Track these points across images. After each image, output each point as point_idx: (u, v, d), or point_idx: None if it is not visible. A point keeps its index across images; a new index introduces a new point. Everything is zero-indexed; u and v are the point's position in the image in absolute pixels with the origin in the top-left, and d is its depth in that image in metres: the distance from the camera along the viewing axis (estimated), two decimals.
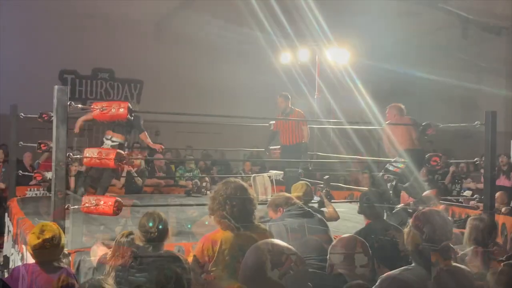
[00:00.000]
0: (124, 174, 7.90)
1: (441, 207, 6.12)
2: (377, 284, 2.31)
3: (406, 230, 2.42)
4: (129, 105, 4.14)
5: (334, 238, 3.48)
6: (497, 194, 6.89)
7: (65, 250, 3.59)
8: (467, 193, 8.81)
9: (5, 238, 6.54)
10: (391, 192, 5.87)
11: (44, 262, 3.09)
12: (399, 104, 6.32)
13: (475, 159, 5.74)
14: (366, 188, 6.60)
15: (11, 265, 5.42)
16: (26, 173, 7.83)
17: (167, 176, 9.47)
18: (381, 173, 6.31)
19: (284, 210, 3.97)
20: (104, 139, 6.20)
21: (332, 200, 5.68)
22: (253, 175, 6.95)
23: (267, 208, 4.17)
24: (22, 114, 6.82)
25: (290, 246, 1.47)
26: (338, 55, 11.17)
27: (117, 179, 7.72)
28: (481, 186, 7.88)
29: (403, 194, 5.10)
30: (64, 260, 3.31)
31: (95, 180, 6.44)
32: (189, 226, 5.26)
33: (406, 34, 13.61)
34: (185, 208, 6.20)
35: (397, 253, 3.30)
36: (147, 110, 6.70)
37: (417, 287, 2.22)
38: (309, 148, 7.96)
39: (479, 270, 2.94)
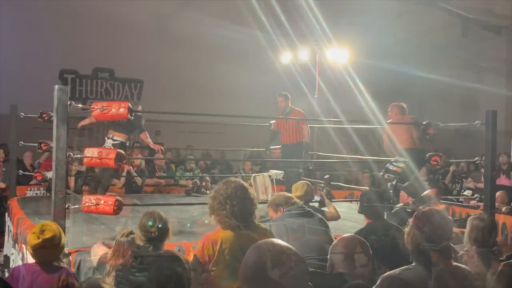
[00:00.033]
0: (124, 173, 7.90)
1: (441, 207, 6.13)
2: (377, 283, 2.31)
3: (406, 229, 2.42)
4: (129, 104, 4.14)
5: (335, 238, 3.48)
6: (497, 194, 6.90)
7: (66, 250, 3.59)
8: (468, 192, 8.81)
9: (6, 237, 6.54)
10: (391, 191, 5.87)
11: (44, 262, 3.09)
12: (401, 103, 6.33)
13: (476, 159, 5.74)
14: (367, 188, 6.61)
15: (11, 265, 5.42)
16: (27, 172, 7.84)
17: (167, 176, 9.47)
18: (381, 173, 6.31)
19: (285, 209, 3.97)
20: (106, 138, 6.21)
21: (333, 200, 5.68)
22: (254, 174, 6.95)
23: (268, 207, 4.17)
24: (23, 113, 6.83)
25: (290, 246, 1.46)
26: (338, 55, 11.16)
27: (117, 178, 7.72)
28: (481, 185, 7.88)
29: (402, 193, 5.10)
30: (64, 260, 3.31)
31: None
32: (188, 225, 5.26)
33: (406, 34, 13.61)
34: (185, 207, 6.20)
35: (398, 252, 3.29)
36: (148, 110, 6.69)
37: (417, 287, 2.22)
38: (310, 147, 7.96)
39: (479, 269, 2.94)
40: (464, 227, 3.92)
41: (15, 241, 5.37)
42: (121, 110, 4.07)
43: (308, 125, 7.29)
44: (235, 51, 12.88)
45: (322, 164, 10.80)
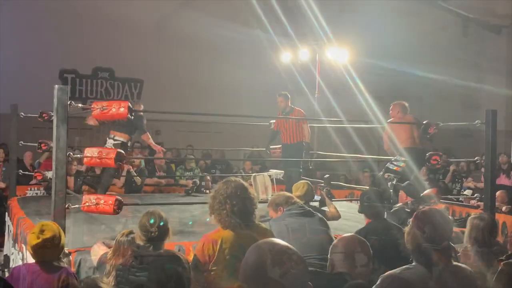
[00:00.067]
0: (124, 173, 7.91)
1: (441, 206, 6.13)
2: (377, 283, 2.31)
3: (406, 229, 2.42)
4: (130, 104, 4.14)
5: (335, 238, 3.48)
6: (498, 193, 6.90)
7: (66, 250, 3.59)
8: (468, 192, 8.81)
9: (6, 237, 6.54)
10: (391, 191, 5.86)
11: (44, 262, 3.09)
12: (403, 102, 6.33)
13: (476, 158, 5.74)
14: (367, 187, 6.61)
15: (11, 265, 5.42)
16: (27, 172, 7.84)
17: (167, 176, 9.47)
18: (381, 172, 6.31)
19: (285, 209, 3.97)
20: (107, 138, 6.23)
21: (333, 199, 5.68)
22: (254, 174, 6.95)
23: (268, 207, 4.17)
24: (23, 113, 6.83)
25: (290, 246, 1.46)
26: (338, 54, 11.16)
27: (117, 178, 7.72)
28: (481, 185, 7.87)
29: (401, 193, 5.10)
30: (64, 260, 3.31)
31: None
32: (190, 222, 5.26)
33: (407, 33, 13.61)
34: (186, 207, 6.20)
35: (398, 252, 3.29)
36: (148, 110, 6.71)
37: (418, 286, 2.22)
38: (310, 147, 7.96)
39: (479, 269, 2.95)
40: (464, 226, 3.92)
41: (15, 241, 5.37)
42: (121, 109, 4.07)
43: (308, 125, 7.29)
44: (235, 51, 12.88)
45: (322, 164, 10.81)
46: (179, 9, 12.23)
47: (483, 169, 6.89)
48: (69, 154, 4.05)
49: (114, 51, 12.58)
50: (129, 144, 6.43)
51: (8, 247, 6.18)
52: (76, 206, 4.21)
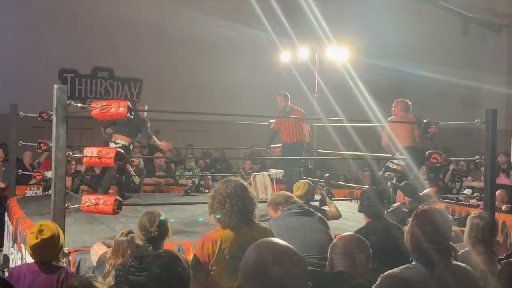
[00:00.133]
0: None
1: (440, 206, 6.12)
2: (377, 282, 2.31)
3: (406, 228, 2.42)
4: (129, 103, 4.14)
5: (334, 237, 3.48)
6: (497, 193, 6.89)
7: (65, 250, 3.59)
8: (467, 191, 8.80)
9: (5, 237, 6.54)
10: (391, 190, 5.86)
11: (43, 262, 3.08)
12: (406, 100, 6.33)
13: (475, 157, 5.73)
14: (367, 186, 6.60)
15: (11, 265, 5.42)
16: (26, 172, 7.84)
17: (167, 175, 9.47)
18: (381, 171, 6.31)
19: (284, 209, 3.97)
20: (109, 141, 6.26)
21: (332, 199, 5.68)
22: (253, 174, 6.95)
23: (267, 207, 4.17)
24: (22, 113, 6.83)
25: (290, 245, 1.46)
26: (338, 54, 11.15)
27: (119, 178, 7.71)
28: (481, 184, 7.87)
29: (399, 193, 5.10)
30: (64, 260, 3.31)
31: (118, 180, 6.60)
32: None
33: (407, 32, 13.60)
34: (185, 206, 6.20)
35: (398, 251, 3.29)
36: (148, 109, 6.72)
37: (417, 286, 2.22)
38: (311, 147, 7.96)
39: (479, 268, 2.94)
40: (464, 225, 3.92)
41: (15, 240, 5.37)
42: (121, 109, 4.06)
43: (308, 124, 7.29)
44: (235, 50, 12.88)
45: (322, 163, 10.80)
46: (178, 9, 12.22)
47: (482, 168, 6.89)
48: (68, 153, 4.05)
49: (113, 50, 12.58)
50: (131, 147, 6.47)
51: (7, 247, 6.18)
52: (76, 206, 4.21)
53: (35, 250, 3.09)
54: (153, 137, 6.65)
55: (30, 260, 3.28)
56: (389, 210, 4.64)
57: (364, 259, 2.49)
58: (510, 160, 9.80)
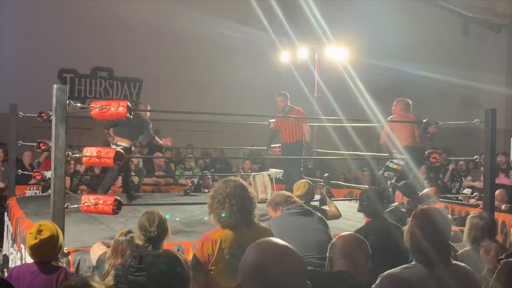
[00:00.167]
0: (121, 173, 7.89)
1: (440, 205, 6.12)
2: (377, 282, 2.30)
3: (406, 228, 2.42)
4: (128, 103, 4.13)
5: (334, 237, 3.48)
6: (497, 192, 6.89)
7: (65, 250, 3.59)
8: (467, 191, 8.81)
9: (5, 237, 6.54)
10: (391, 190, 5.86)
11: (43, 262, 3.08)
12: (407, 99, 6.33)
13: (475, 157, 5.74)
14: (366, 186, 6.60)
15: (10, 265, 5.42)
16: (26, 172, 7.84)
17: (166, 175, 9.47)
18: (381, 171, 6.31)
19: (284, 208, 3.97)
20: (111, 144, 6.27)
21: (332, 198, 5.68)
22: (253, 173, 6.95)
23: (267, 206, 4.17)
24: (22, 113, 6.83)
25: (289, 245, 1.46)
26: (337, 54, 11.15)
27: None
28: (480, 184, 7.87)
29: (398, 193, 5.10)
30: (63, 260, 3.30)
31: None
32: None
33: (406, 32, 13.60)
34: (185, 206, 6.20)
35: (397, 251, 3.29)
36: (148, 109, 6.73)
37: (417, 286, 2.21)
38: (310, 147, 7.96)
39: (478, 268, 2.94)
40: (464, 225, 3.92)
41: (14, 240, 5.37)
42: (120, 109, 4.06)
43: (308, 124, 7.29)
44: (235, 50, 12.87)
45: (321, 163, 10.80)
46: (178, 9, 12.21)
47: (482, 168, 6.89)
48: (67, 153, 4.05)
49: (113, 50, 12.57)
50: (132, 149, 6.47)
51: (7, 247, 6.18)
52: (75, 206, 4.20)
53: (34, 250, 3.09)
54: (156, 137, 6.66)
55: (29, 260, 3.28)
56: (387, 210, 4.64)
57: (363, 258, 2.49)
58: (510, 159, 9.81)
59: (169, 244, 3.60)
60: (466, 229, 3.76)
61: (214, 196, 3.05)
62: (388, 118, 6.27)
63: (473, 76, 13.67)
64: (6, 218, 6.61)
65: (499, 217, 6.65)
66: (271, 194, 5.29)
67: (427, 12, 14.58)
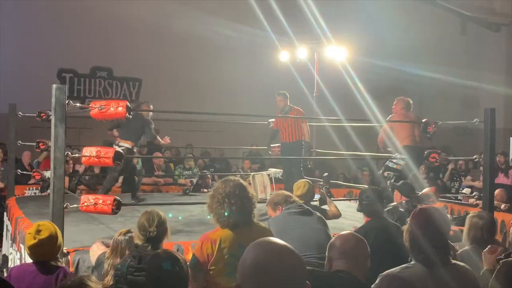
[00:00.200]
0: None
1: (440, 205, 6.12)
2: (376, 282, 2.30)
3: (405, 227, 2.42)
4: (128, 103, 4.13)
5: (333, 236, 3.48)
6: (496, 192, 6.90)
7: (64, 250, 3.59)
8: (466, 190, 8.81)
9: (4, 237, 6.53)
10: (391, 189, 5.86)
11: (42, 262, 3.08)
12: (408, 99, 6.33)
13: (474, 157, 5.74)
14: (366, 186, 6.60)
15: (10, 265, 5.42)
16: (25, 172, 7.84)
17: (166, 175, 9.46)
18: (381, 171, 6.31)
19: (283, 208, 3.97)
20: (113, 145, 6.28)
21: (332, 198, 5.68)
22: (252, 173, 6.94)
23: (266, 206, 4.17)
24: (21, 113, 6.82)
25: (288, 245, 1.46)
26: (336, 53, 11.15)
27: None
28: (480, 183, 7.88)
29: (396, 192, 5.09)
30: (62, 260, 3.30)
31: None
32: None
33: (406, 32, 13.60)
34: (184, 206, 6.20)
35: (397, 251, 3.28)
36: (147, 109, 6.73)
37: (417, 285, 2.21)
38: (310, 146, 7.96)
39: (477, 267, 2.94)
40: (463, 225, 3.92)
41: (13, 240, 5.36)
42: (120, 109, 4.05)
43: (308, 124, 7.29)
44: (234, 50, 12.87)
45: (321, 163, 10.80)
46: (177, 9, 12.21)
47: (481, 168, 6.89)
48: (67, 153, 4.04)
49: (112, 50, 12.57)
50: (135, 150, 6.48)
51: (6, 247, 6.18)
52: (75, 206, 4.20)
53: (33, 250, 3.08)
54: (157, 137, 6.66)
55: (29, 260, 3.28)
56: (385, 210, 4.64)
57: (362, 258, 2.48)
58: (509, 159, 9.81)
59: (169, 244, 3.60)
60: (465, 228, 3.75)
61: (213, 196, 3.05)
62: (389, 117, 6.27)
63: (474, 76, 13.68)
64: (5, 218, 6.60)
65: (499, 216, 6.64)
66: (271, 194, 5.29)
67: (427, 12, 14.59)
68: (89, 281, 2.36)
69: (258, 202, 3.27)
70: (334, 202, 5.35)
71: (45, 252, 3.08)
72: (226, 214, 2.96)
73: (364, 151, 8.24)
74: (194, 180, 8.65)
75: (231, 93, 12.79)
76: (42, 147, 6.59)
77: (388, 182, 6.01)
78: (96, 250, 3.57)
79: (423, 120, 5.88)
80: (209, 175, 8.78)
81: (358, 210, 4.23)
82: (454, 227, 4.47)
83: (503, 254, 2.59)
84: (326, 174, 7.38)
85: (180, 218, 5.46)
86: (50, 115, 4.02)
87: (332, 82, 10.99)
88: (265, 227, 3.23)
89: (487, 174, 5.19)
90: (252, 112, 9.24)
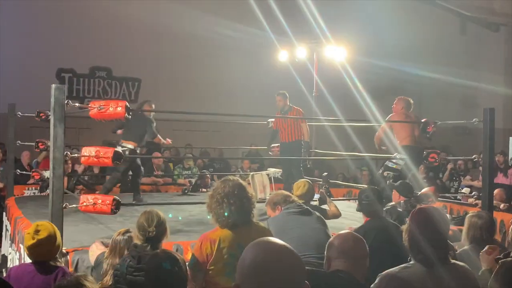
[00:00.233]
0: None
1: (439, 205, 6.12)
2: (376, 282, 2.30)
3: (404, 227, 2.42)
4: (127, 103, 4.13)
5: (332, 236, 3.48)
6: (496, 191, 6.90)
7: (64, 250, 3.58)
8: (466, 190, 8.81)
9: (3, 237, 6.53)
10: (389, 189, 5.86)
11: (40, 262, 3.08)
12: (408, 98, 6.32)
13: (473, 156, 5.74)
14: (365, 186, 6.60)
15: (9, 265, 5.41)
16: (24, 172, 7.83)
17: (165, 175, 9.46)
18: (380, 170, 6.31)
19: (283, 208, 3.97)
20: (117, 146, 6.28)
21: (331, 198, 5.68)
22: (252, 173, 6.94)
23: (266, 206, 4.17)
24: (20, 113, 6.82)
25: (288, 245, 1.46)
26: (336, 53, 11.15)
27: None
28: (479, 183, 7.88)
29: (394, 192, 5.09)
30: (61, 260, 3.30)
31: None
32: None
33: (405, 32, 13.60)
34: (183, 206, 6.19)
35: (396, 251, 3.28)
36: (147, 109, 6.73)
37: (416, 285, 2.21)
38: (310, 146, 7.96)
39: (477, 267, 2.94)
40: (462, 224, 3.92)
41: (13, 240, 5.36)
42: (119, 109, 4.05)
43: (307, 124, 7.29)
44: (233, 49, 12.87)
45: (320, 162, 10.80)
46: (176, 8, 12.21)
47: (480, 168, 6.89)
48: (66, 153, 4.04)
49: (111, 50, 12.56)
50: (138, 151, 6.47)
51: (5, 247, 6.17)
52: (74, 205, 4.20)
53: (32, 250, 3.08)
54: (158, 135, 6.65)
55: (28, 260, 3.28)
56: (383, 209, 4.64)
57: (361, 257, 2.48)
58: (508, 159, 9.82)
59: (168, 243, 3.60)
60: (464, 228, 3.75)
61: (212, 196, 3.05)
62: (389, 116, 6.26)
63: (473, 76, 13.69)
64: (4, 218, 6.60)
65: (498, 216, 6.65)
66: (270, 194, 5.29)
67: (427, 12, 14.59)
68: (85, 281, 2.35)
69: (258, 202, 3.27)
70: (333, 201, 5.35)
71: (44, 252, 3.08)
72: (225, 214, 2.95)
73: (363, 151, 8.24)
74: (193, 180, 8.64)
75: (230, 93, 12.79)
76: (41, 147, 6.58)
77: (388, 182, 6.01)
78: (95, 250, 3.57)
79: (422, 120, 5.88)
80: (208, 175, 8.78)
81: (358, 210, 4.23)
82: (453, 227, 4.47)
83: (502, 254, 2.59)
84: (325, 173, 7.38)
85: (180, 218, 5.46)
86: (49, 115, 4.02)
87: (331, 82, 10.99)
88: (264, 227, 3.23)
89: (486, 173, 5.19)
90: (251, 112, 9.24)
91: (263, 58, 12.49)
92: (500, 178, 9.24)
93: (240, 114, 10.85)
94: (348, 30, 11.57)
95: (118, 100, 4.74)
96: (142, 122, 6.30)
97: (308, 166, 9.60)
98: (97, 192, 7.00)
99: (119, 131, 6.52)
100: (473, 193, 6.88)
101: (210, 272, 2.93)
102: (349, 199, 7.93)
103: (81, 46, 12.14)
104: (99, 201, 4.07)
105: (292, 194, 4.44)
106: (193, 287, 2.88)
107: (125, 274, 2.72)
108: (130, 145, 6.27)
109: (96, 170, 9.11)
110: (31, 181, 8.39)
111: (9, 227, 5.97)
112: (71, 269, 3.66)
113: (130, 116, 4.22)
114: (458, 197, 8.77)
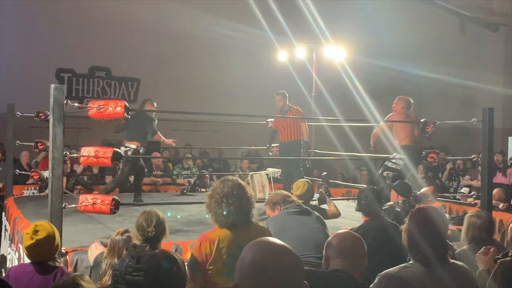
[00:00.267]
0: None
1: (438, 204, 6.12)
2: (375, 282, 2.30)
3: (403, 227, 2.42)
4: (126, 103, 4.12)
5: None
6: (495, 191, 6.90)
7: (63, 250, 3.58)
8: (465, 190, 8.82)
9: (2, 237, 6.53)
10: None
11: (39, 262, 3.08)
12: (408, 98, 6.33)
13: (472, 156, 5.74)
14: (364, 186, 6.60)
15: (8, 265, 5.41)
16: (23, 172, 7.83)
17: (164, 174, 9.46)
18: (380, 170, 6.31)
19: (282, 208, 3.97)
20: (120, 147, 6.28)
21: (331, 198, 5.68)
22: (251, 173, 6.94)
23: (265, 206, 4.17)
24: (19, 113, 6.81)
25: (287, 245, 1.46)
26: (335, 53, 11.15)
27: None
28: (478, 183, 7.88)
29: (393, 192, 5.10)
30: (61, 259, 3.30)
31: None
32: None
33: (404, 32, 13.61)
34: (182, 206, 6.19)
35: (395, 250, 3.29)
36: (146, 109, 6.72)
37: (415, 285, 2.22)
38: (309, 146, 7.96)
39: (476, 267, 2.94)
40: (461, 224, 3.92)
41: (12, 240, 5.36)
42: (118, 108, 4.05)
43: (306, 123, 7.29)
44: (232, 49, 12.86)
45: (319, 162, 10.80)
46: (175, 8, 12.21)
47: (480, 167, 6.89)
48: (65, 153, 4.04)
49: (110, 50, 12.56)
50: (141, 151, 6.46)
51: (5, 247, 6.17)
52: (73, 205, 4.20)
53: (31, 251, 3.08)
54: (158, 133, 6.64)
55: (27, 260, 3.28)
56: (382, 208, 4.65)
57: (359, 257, 2.48)
58: (507, 158, 9.82)
59: (167, 243, 3.60)
60: (463, 228, 3.76)
61: (211, 196, 3.05)
62: (388, 115, 6.26)
63: (472, 76, 13.70)
64: (4, 218, 6.60)
65: (497, 216, 6.65)
66: (269, 194, 5.29)
67: (426, 12, 14.60)
68: (81, 281, 2.35)
69: (257, 202, 3.27)
70: (333, 201, 5.35)
71: (43, 252, 3.07)
72: (224, 214, 2.95)
73: (363, 151, 8.24)
74: (192, 180, 8.64)
75: (229, 93, 12.79)
76: (40, 147, 6.58)
77: (387, 182, 6.01)
78: (95, 250, 3.57)
79: (421, 120, 5.88)
80: (207, 175, 8.77)
81: (357, 210, 4.23)
82: (452, 227, 4.47)
83: (501, 254, 2.59)
84: (324, 173, 7.38)
85: (178, 217, 5.46)
86: (49, 115, 4.02)
87: (331, 82, 10.99)
88: (263, 226, 3.23)
89: (485, 173, 5.19)
90: (250, 111, 9.25)
91: (262, 58, 12.49)
92: (499, 178, 9.24)
93: (240, 114, 10.85)
94: (347, 30, 11.57)
95: (117, 100, 4.74)
96: (143, 120, 6.29)
97: (308, 166, 9.60)
98: (95, 192, 7.00)
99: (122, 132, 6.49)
100: (472, 192, 6.89)
101: (209, 272, 2.93)
102: (348, 199, 7.93)
103: (81, 46, 12.14)
104: (98, 201, 4.08)
105: (292, 194, 4.44)
106: (192, 287, 2.88)
107: (124, 274, 2.72)
108: (133, 145, 6.26)
109: (95, 170, 9.11)
110: (30, 181, 8.39)
111: (8, 227, 5.96)
112: (70, 269, 3.66)
113: (129, 116, 4.22)
114: (457, 197, 8.77)
